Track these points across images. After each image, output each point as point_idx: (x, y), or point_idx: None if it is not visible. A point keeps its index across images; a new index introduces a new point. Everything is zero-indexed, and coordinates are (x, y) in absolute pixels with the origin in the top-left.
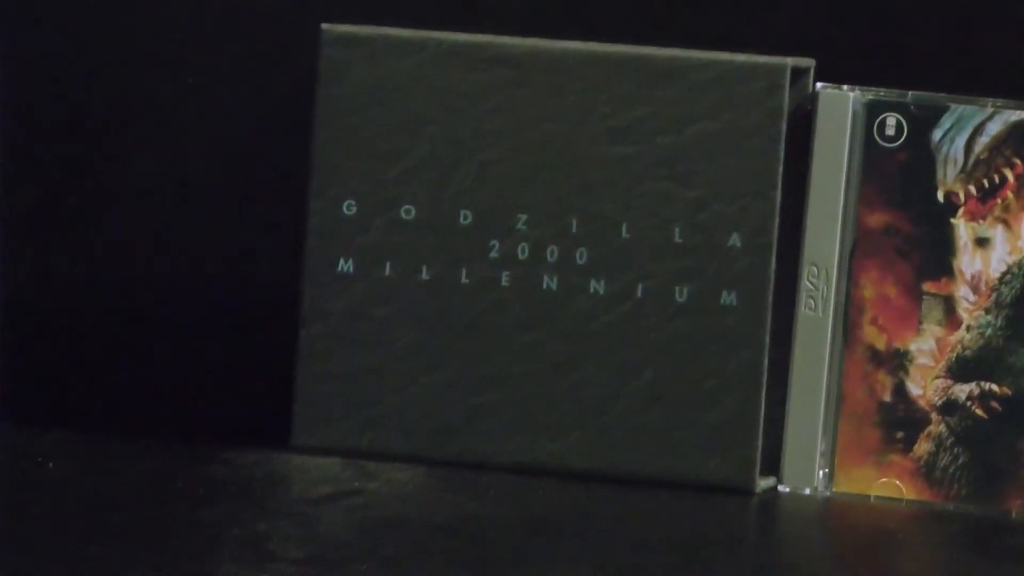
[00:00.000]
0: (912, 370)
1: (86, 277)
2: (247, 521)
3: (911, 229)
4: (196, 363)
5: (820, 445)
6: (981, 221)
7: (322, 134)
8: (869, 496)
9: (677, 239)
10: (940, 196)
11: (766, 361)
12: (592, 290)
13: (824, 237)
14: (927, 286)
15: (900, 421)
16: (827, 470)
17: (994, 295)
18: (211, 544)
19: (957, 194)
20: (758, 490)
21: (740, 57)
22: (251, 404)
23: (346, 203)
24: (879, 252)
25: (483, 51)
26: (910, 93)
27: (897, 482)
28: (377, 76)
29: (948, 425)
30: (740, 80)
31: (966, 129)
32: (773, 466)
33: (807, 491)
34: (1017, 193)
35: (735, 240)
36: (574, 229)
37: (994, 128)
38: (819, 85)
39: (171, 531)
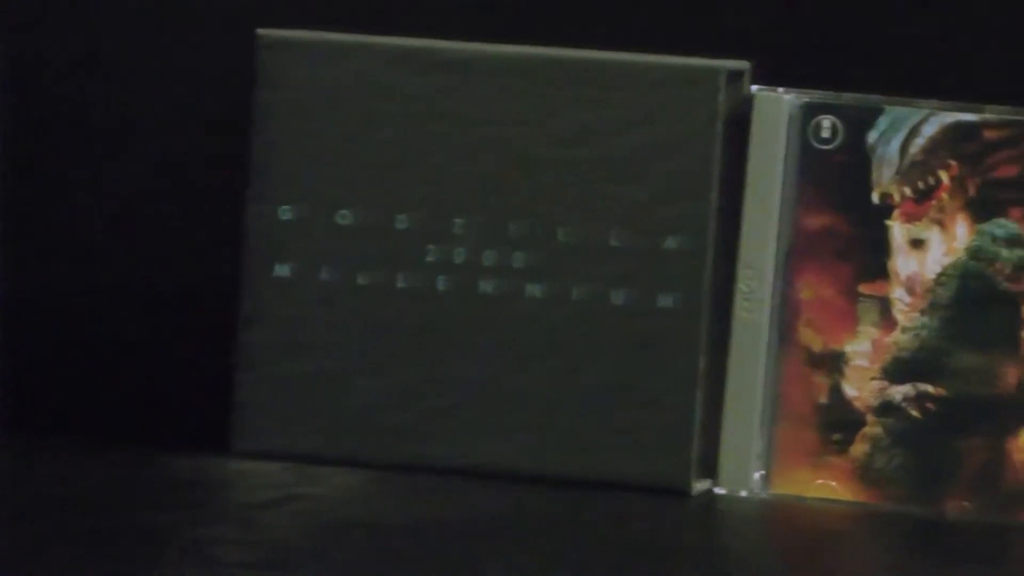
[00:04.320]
0: (848, 372)
1: (11, 281)
2: (190, 526)
3: (847, 231)
4: (135, 369)
5: (756, 447)
6: (916, 223)
7: (259, 139)
8: (806, 498)
9: (613, 242)
10: (875, 198)
11: (703, 363)
12: (529, 294)
13: (760, 239)
14: (863, 288)
15: (837, 423)
16: (764, 472)
17: (930, 296)
18: (154, 550)
19: (892, 196)
20: (694, 492)
21: (676, 60)
22: (191, 409)
23: (283, 208)
24: (815, 254)
25: (420, 55)
26: (845, 95)
27: (833, 483)
28: (314, 81)
29: (884, 426)
30: (676, 83)
31: (901, 131)
32: (710, 468)
33: (744, 493)
34: (952, 194)
35: (672, 243)
36: (510, 233)
37: (929, 130)
38: (754, 88)
39: (113, 537)
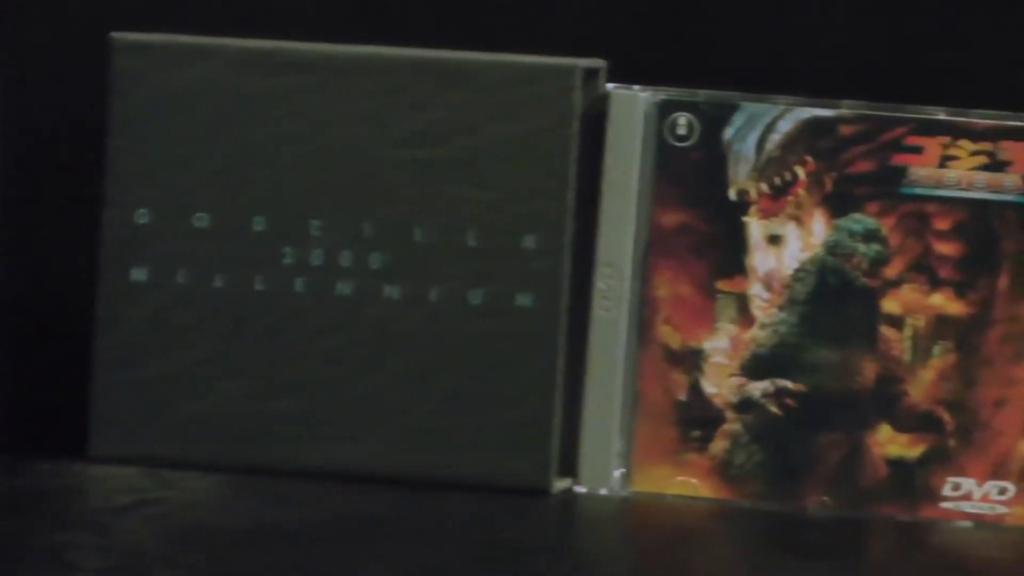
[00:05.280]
0: (707, 368)
1: None
2: (45, 532)
3: (704, 228)
4: None
5: (616, 445)
6: (773, 219)
7: (114, 142)
8: (666, 495)
9: (471, 242)
10: (732, 194)
11: (561, 362)
12: (387, 295)
13: (617, 237)
14: (721, 284)
15: (696, 420)
16: (624, 470)
17: (787, 292)
18: (9, 555)
19: (749, 192)
20: (554, 491)
21: (531, 59)
22: (48, 414)
23: (139, 211)
24: (672, 251)
25: (275, 57)
26: (701, 92)
27: (693, 480)
28: (168, 84)
29: (743, 423)
30: (532, 82)
31: (757, 127)
32: (570, 467)
33: (604, 491)
34: (809, 190)
35: (529, 242)
36: (367, 234)
37: (785, 126)
38: (610, 86)
39: None
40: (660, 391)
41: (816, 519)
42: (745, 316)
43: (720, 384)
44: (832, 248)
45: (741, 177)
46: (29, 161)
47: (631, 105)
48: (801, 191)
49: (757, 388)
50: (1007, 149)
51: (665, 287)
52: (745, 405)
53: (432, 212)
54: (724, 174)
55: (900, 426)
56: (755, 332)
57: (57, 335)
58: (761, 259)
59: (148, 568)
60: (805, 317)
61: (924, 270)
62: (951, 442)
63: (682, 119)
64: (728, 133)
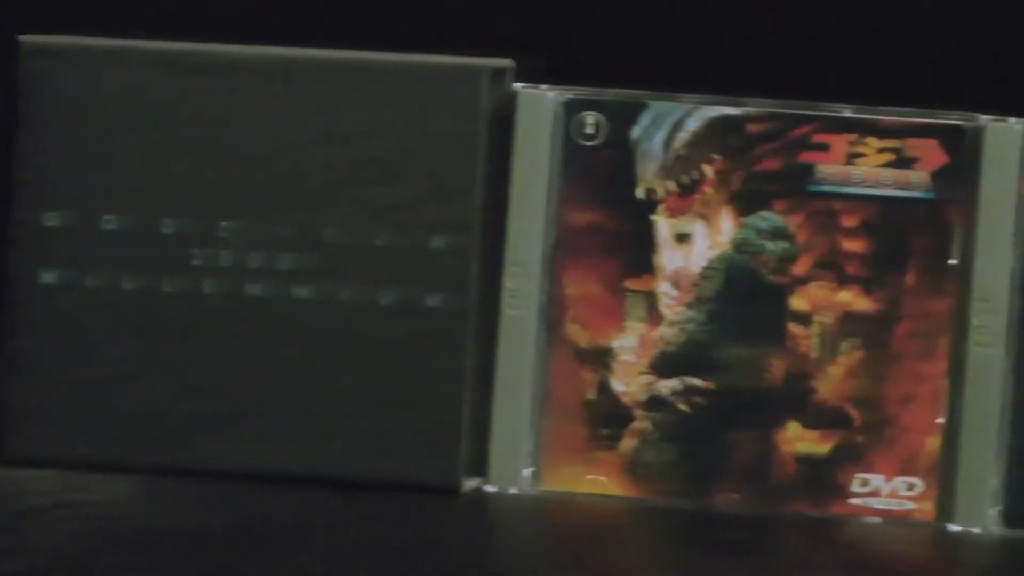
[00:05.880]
0: (616, 367)
1: None
2: None
3: (612, 226)
4: None
5: (526, 444)
6: (681, 217)
7: (23, 145)
8: (576, 493)
9: (380, 242)
10: (640, 193)
11: (471, 362)
12: (296, 296)
13: (526, 237)
14: (629, 283)
15: (606, 418)
16: (533, 469)
17: (696, 290)
18: None
19: (657, 191)
20: (464, 490)
21: (438, 59)
22: None
23: (48, 214)
24: (581, 250)
25: (184, 59)
26: (608, 91)
27: (603, 479)
28: (78, 86)
29: (653, 421)
30: (439, 82)
31: (664, 126)
32: (480, 466)
33: (514, 490)
34: (716, 188)
35: (438, 242)
36: (277, 235)
37: (693, 124)
38: (517, 85)
39: None
40: (569, 390)
41: (725, 516)
42: (654, 314)
43: (629, 382)
44: (740, 246)
45: (649, 176)
46: None
47: (539, 104)
48: (709, 189)
49: (666, 386)
50: (913, 146)
51: (574, 286)
52: (654, 403)
53: (341, 213)
54: (632, 173)
55: (809, 423)
56: (664, 330)
57: None
58: (669, 257)
59: (60, 572)
60: (713, 315)
61: (832, 267)
62: (860, 438)
63: (589, 118)
64: (635, 132)
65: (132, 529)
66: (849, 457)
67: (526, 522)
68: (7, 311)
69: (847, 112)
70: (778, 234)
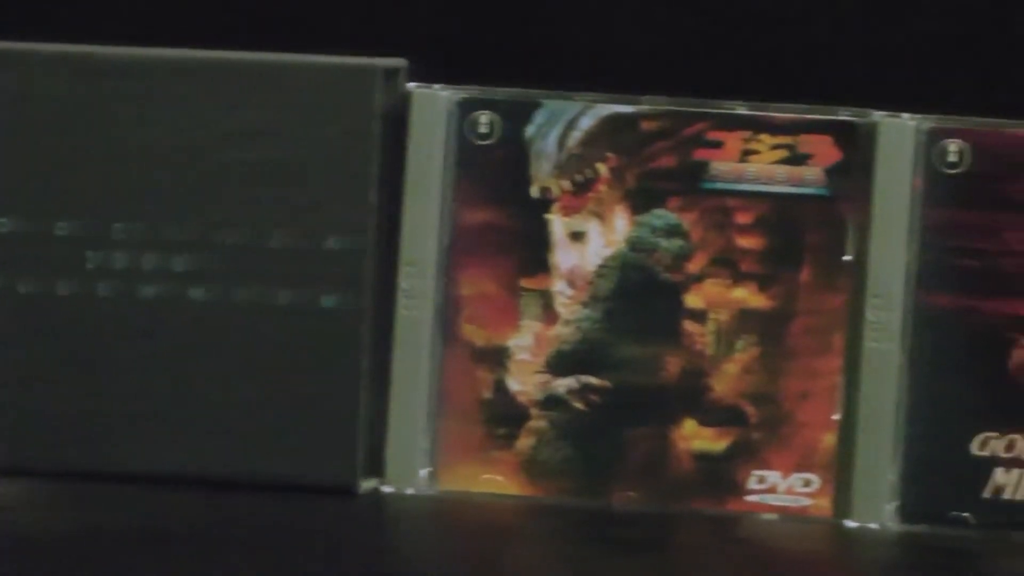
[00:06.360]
0: (512, 366)
1: None
2: None
3: (507, 225)
4: None
5: (422, 444)
6: (576, 215)
7: None
8: (473, 493)
9: (275, 243)
10: (535, 192)
11: (367, 362)
12: (192, 297)
13: (421, 236)
14: (524, 282)
15: (501, 417)
16: (430, 469)
17: (591, 289)
18: None
19: (551, 189)
20: (361, 491)
21: (331, 60)
22: None
23: None
24: (476, 249)
25: (80, 61)
26: (502, 90)
27: (500, 478)
28: None
29: (549, 419)
30: (332, 83)
31: (559, 124)
32: (377, 467)
33: (411, 491)
34: (611, 186)
35: (333, 243)
36: (171, 237)
37: (587, 122)
38: (411, 85)
39: None
40: (465, 389)
41: (623, 514)
42: (549, 313)
43: (525, 381)
44: (635, 244)
45: (543, 175)
46: None
47: (432, 104)
48: (603, 188)
49: (562, 385)
50: (807, 143)
51: (469, 285)
52: (550, 402)
53: (236, 214)
54: (526, 172)
55: (705, 420)
56: (559, 329)
57: None
58: (564, 256)
59: None
60: (609, 313)
61: (727, 264)
62: (756, 435)
63: (483, 117)
64: (529, 131)
65: (27, 534)
66: (745, 454)
67: (423, 522)
68: None
69: (741, 109)
70: (673, 232)
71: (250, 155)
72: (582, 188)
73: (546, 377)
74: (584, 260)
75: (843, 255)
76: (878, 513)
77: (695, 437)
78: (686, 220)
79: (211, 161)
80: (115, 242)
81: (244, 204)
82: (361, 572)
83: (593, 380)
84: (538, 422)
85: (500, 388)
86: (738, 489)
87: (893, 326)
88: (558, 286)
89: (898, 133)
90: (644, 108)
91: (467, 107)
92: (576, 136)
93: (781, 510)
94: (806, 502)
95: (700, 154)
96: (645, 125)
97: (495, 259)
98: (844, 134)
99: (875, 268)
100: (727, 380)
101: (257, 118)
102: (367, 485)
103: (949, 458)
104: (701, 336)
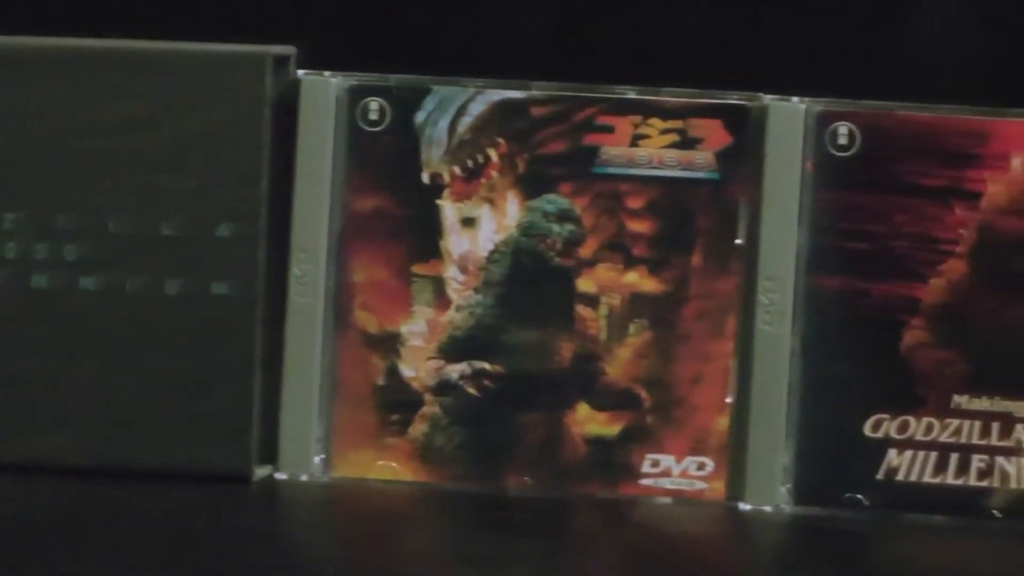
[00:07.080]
0: (405, 352)
1: None
2: None
3: (399, 212)
4: None
5: (316, 431)
6: (467, 201)
7: None
8: (367, 479)
9: (166, 232)
10: (426, 178)
11: (259, 350)
12: (83, 287)
13: (312, 223)
14: (416, 268)
15: (395, 403)
16: (324, 455)
17: (483, 274)
18: None
19: (442, 175)
20: (255, 478)
21: (221, 47)
22: None
23: None
24: (368, 236)
25: None
26: (392, 77)
27: (394, 464)
28: None
29: (442, 405)
30: (222, 70)
31: (449, 110)
32: (271, 454)
33: (304, 477)
34: (502, 172)
35: (224, 230)
36: (62, 226)
37: (477, 108)
38: (301, 72)
39: None
40: (358, 376)
41: (517, 499)
42: (442, 299)
43: (418, 367)
44: (526, 229)
45: (434, 160)
46: None
47: (322, 91)
48: (494, 173)
49: (455, 370)
50: (697, 126)
51: (361, 272)
52: (443, 388)
53: (126, 203)
54: (417, 158)
55: (598, 404)
56: (452, 315)
57: None
58: (456, 242)
59: None
60: (501, 298)
61: (619, 249)
62: (649, 419)
63: (374, 104)
64: (420, 117)
65: None
66: (639, 438)
67: (316, 509)
68: None
69: (631, 94)
70: (564, 217)
71: (140, 143)
72: (473, 174)
73: (439, 363)
74: (476, 246)
75: (735, 239)
76: (772, 496)
77: (589, 421)
78: (577, 205)
79: (101, 149)
80: (5, 232)
81: (135, 192)
82: (254, 560)
83: (486, 366)
84: (431, 408)
85: (393, 374)
86: (632, 473)
87: (785, 309)
88: (450, 272)
89: (788, 116)
90: (534, 93)
91: (357, 94)
92: (466, 122)
93: (675, 493)
94: (700, 485)
95: (591, 139)
96: (535, 110)
97: (387, 245)
98: (734, 118)
99: (767, 251)
100: (620, 364)
101: (148, 106)
102: (261, 472)
103: (842, 440)
104: (593, 321)
